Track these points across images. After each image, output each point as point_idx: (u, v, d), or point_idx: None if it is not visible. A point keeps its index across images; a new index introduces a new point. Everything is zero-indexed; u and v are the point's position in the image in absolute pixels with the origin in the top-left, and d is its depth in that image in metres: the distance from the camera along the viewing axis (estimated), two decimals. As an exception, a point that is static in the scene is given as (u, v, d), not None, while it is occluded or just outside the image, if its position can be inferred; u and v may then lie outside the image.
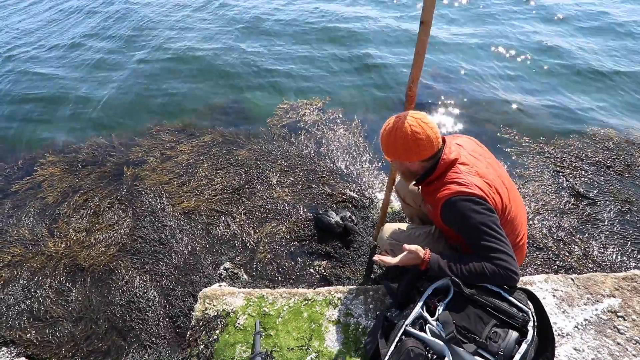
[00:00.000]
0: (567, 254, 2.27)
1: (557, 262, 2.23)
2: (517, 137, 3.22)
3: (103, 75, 4.61)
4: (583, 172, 2.82)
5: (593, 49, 4.48)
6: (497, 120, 3.44)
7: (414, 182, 1.49)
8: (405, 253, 1.33)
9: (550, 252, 2.29)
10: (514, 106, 3.62)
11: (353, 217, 2.47)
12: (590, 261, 2.23)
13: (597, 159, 2.94)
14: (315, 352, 1.50)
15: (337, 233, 2.41)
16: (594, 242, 2.34)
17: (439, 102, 3.71)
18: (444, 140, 1.42)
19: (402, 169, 1.49)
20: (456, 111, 3.61)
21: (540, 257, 2.27)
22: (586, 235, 2.38)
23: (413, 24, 5.23)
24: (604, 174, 2.81)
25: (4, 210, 2.92)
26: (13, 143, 3.67)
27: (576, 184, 2.72)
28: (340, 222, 2.40)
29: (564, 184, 2.74)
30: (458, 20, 5.28)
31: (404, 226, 1.71)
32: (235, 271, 2.33)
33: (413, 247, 1.33)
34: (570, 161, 2.92)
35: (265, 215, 2.68)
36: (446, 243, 1.56)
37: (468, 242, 1.29)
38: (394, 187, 2.00)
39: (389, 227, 1.72)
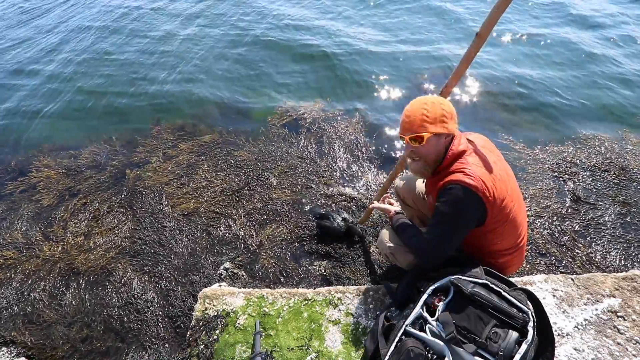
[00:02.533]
0: (570, 259, 2.26)
1: (560, 267, 2.23)
2: (512, 142, 3.22)
3: (103, 75, 4.60)
4: (580, 176, 2.82)
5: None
6: (495, 124, 3.44)
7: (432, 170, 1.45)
8: (379, 205, 1.78)
9: (552, 257, 2.28)
10: (511, 109, 3.62)
11: (349, 219, 2.47)
12: (593, 267, 2.22)
13: (592, 162, 2.94)
14: (315, 352, 1.50)
15: (340, 234, 2.41)
16: (596, 245, 2.33)
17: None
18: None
19: (424, 153, 1.38)
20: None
21: (543, 262, 2.26)
22: (588, 239, 2.38)
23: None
24: (600, 178, 2.81)
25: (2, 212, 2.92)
26: (11, 145, 3.67)
27: (576, 188, 2.72)
28: (342, 223, 2.40)
29: (564, 188, 2.74)
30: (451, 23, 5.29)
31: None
32: (235, 271, 2.33)
33: (383, 206, 1.75)
34: (566, 166, 2.92)
35: (265, 216, 2.68)
36: None
37: (431, 218, 1.39)
38: (394, 188, 2.01)
39: (388, 230, 1.73)
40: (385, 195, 1.97)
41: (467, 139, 1.42)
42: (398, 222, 1.60)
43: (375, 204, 1.83)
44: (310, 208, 2.69)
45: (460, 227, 1.31)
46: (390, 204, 1.83)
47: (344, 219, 2.43)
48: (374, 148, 3.20)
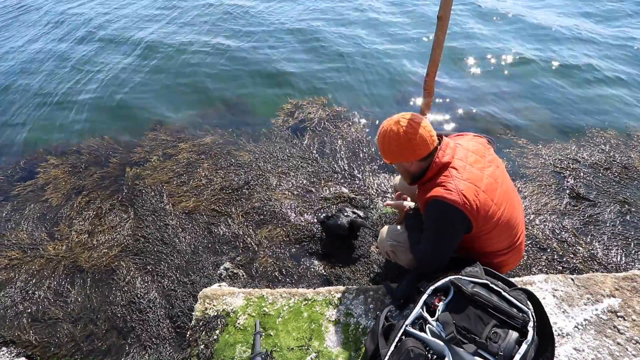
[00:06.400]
0: (572, 255, 2.26)
1: (562, 263, 2.23)
2: (514, 138, 3.21)
3: (104, 74, 4.60)
4: (582, 174, 2.82)
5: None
6: (496, 120, 3.44)
7: (409, 182, 1.51)
8: (392, 202, 1.82)
9: (554, 253, 2.28)
10: (511, 107, 3.62)
11: (351, 215, 2.46)
12: (595, 262, 2.22)
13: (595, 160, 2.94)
14: (315, 352, 1.50)
15: (345, 231, 2.40)
16: (597, 243, 2.33)
17: (436, 102, 3.71)
18: (441, 139, 1.42)
19: (401, 170, 1.51)
20: (452, 112, 3.61)
21: (544, 257, 2.27)
22: (589, 236, 2.38)
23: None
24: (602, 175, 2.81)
25: (7, 213, 2.93)
26: (14, 145, 3.67)
27: (576, 185, 2.72)
28: (346, 219, 2.39)
29: (565, 185, 2.74)
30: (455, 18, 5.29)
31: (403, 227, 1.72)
32: (235, 271, 2.33)
33: (396, 202, 1.79)
34: (568, 163, 2.92)
35: (265, 215, 2.68)
36: None
37: (423, 233, 1.44)
38: (394, 186, 2.02)
39: (389, 229, 1.74)
40: (399, 192, 1.99)
41: (456, 144, 1.42)
42: (408, 223, 1.63)
43: (389, 201, 1.86)
44: (310, 207, 2.69)
45: (447, 238, 1.36)
46: (405, 199, 1.85)
47: (346, 216, 2.42)
48: (374, 147, 3.20)
